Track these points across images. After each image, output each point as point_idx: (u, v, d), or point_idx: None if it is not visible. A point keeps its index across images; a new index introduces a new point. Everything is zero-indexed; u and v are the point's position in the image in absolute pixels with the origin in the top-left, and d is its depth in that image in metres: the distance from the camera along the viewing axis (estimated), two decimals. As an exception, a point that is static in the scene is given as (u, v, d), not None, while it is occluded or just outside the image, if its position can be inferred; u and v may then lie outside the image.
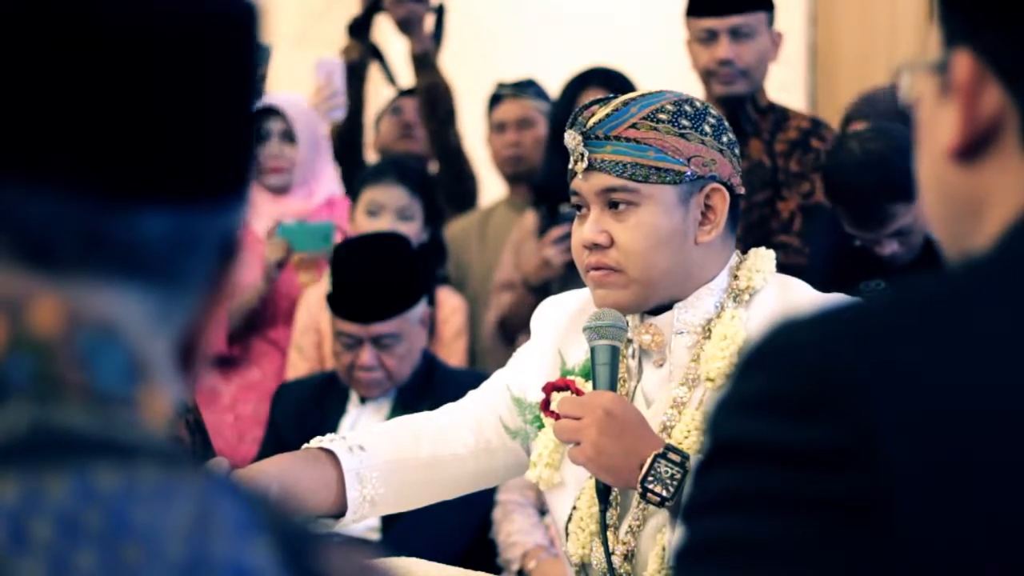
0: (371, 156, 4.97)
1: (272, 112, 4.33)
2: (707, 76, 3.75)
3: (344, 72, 4.72)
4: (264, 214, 4.29)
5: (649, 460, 1.96)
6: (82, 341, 0.77)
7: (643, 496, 1.97)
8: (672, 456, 1.96)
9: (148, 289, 0.81)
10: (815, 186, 3.72)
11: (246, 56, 0.84)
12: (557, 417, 2.04)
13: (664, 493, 1.95)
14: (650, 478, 1.96)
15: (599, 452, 1.97)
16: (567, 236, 3.82)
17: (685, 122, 2.07)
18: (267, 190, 4.32)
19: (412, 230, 4.04)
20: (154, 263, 0.81)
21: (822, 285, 2.14)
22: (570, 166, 2.12)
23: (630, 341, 2.14)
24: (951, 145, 0.93)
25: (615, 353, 2.06)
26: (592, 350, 2.07)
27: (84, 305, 0.78)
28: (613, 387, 2.06)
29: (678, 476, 1.95)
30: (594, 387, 2.06)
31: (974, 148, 0.92)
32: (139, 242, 0.80)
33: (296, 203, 4.34)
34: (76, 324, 0.77)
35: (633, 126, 2.06)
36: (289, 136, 4.33)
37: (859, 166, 3.39)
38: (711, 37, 3.73)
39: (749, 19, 3.73)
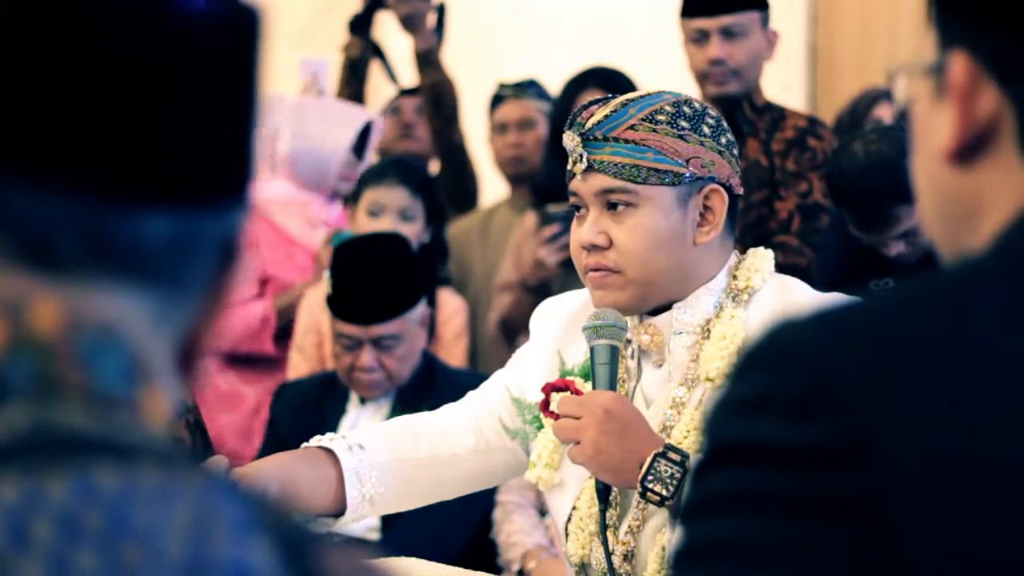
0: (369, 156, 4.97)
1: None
2: (701, 77, 3.76)
3: (328, 70, 4.74)
4: (298, 214, 4.30)
5: (649, 459, 1.96)
6: (82, 342, 0.77)
7: (643, 495, 1.97)
8: (672, 455, 1.96)
9: (149, 290, 0.81)
10: (813, 185, 3.71)
11: (248, 61, 0.85)
12: (556, 417, 2.04)
13: (664, 492, 1.95)
14: (650, 477, 1.96)
15: (599, 451, 1.97)
16: (559, 235, 3.83)
17: (684, 123, 2.07)
18: (327, 194, 4.33)
19: (414, 231, 4.04)
20: (155, 265, 0.81)
21: (831, 285, 2.14)
22: (569, 167, 2.12)
23: (629, 341, 2.14)
24: (947, 147, 0.93)
25: (614, 353, 2.06)
26: (592, 350, 2.07)
27: (85, 306, 0.78)
28: (613, 387, 2.06)
29: (678, 475, 1.96)
30: (593, 387, 2.06)
31: (970, 150, 0.92)
32: (140, 244, 0.80)
33: (327, 211, 4.37)
34: (77, 325, 0.77)
35: (632, 127, 2.06)
36: (360, 151, 4.35)
37: (863, 169, 3.38)
38: (703, 37, 3.73)
39: (740, 19, 3.73)
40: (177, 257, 0.82)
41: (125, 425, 0.76)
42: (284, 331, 4.22)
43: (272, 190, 4.33)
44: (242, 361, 4.21)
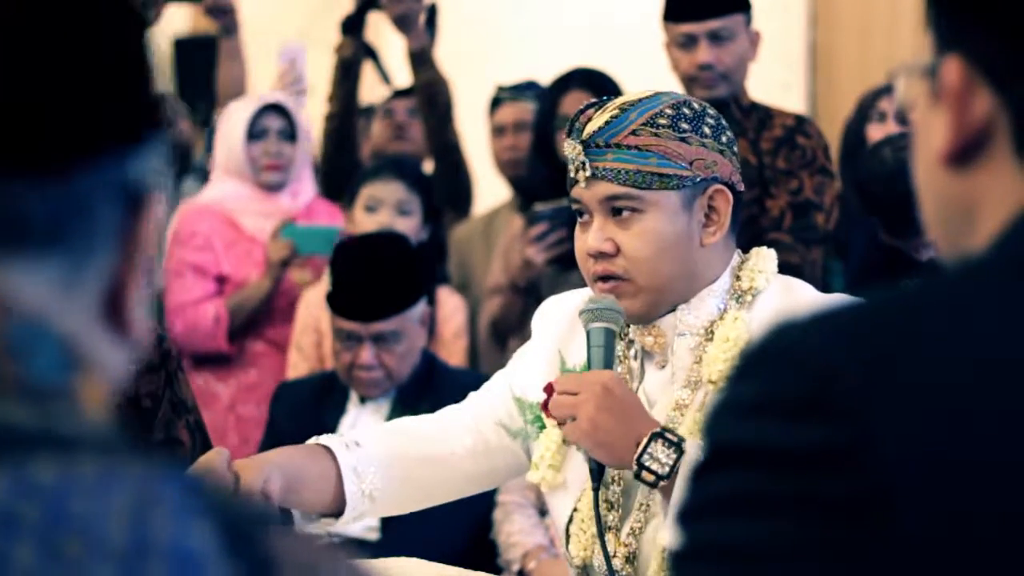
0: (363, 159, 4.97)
1: (274, 109, 4.35)
2: (688, 81, 3.75)
3: (306, 57, 4.76)
4: (254, 210, 4.31)
5: (647, 438, 1.95)
6: (12, 333, 0.76)
7: (637, 475, 1.96)
8: (669, 436, 1.96)
9: (47, 259, 0.79)
10: (804, 183, 3.71)
11: (109, 11, 0.82)
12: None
13: (660, 471, 1.95)
14: (646, 456, 1.95)
15: (595, 427, 1.97)
16: (546, 234, 3.83)
17: (685, 125, 2.06)
18: (260, 187, 4.33)
19: (411, 225, 4.04)
20: (47, 233, 0.79)
21: (859, 285, 2.13)
22: (570, 174, 2.11)
23: (632, 342, 2.14)
24: (943, 150, 0.93)
25: (610, 335, 2.05)
26: (588, 333, 2.06)
27: (10, 297, 0.78)
28: (609, 368, 2.05)
29: (674, 456, 1.95)
30: (589, 369, 2.05)
31: (965, 153, 0.92)
32: (21, 215, 0.79)
33: (284, 202, 4.36)
34: (4, 316, 0.77)
35: (633, 133, 2.05)
36: (289, 134, 4.35)
37: (892, 174, 3.37)
38: (690, 42, 3.72)
39: (727, 22, 3.72)
40: (70, 220, 0.80)
41: (62, 416, 0.76)
42: (245, 328, 4.22)
43: (227, 189, 4.33)
44: (215, 360, 4.21)
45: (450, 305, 4.14)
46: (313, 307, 4.08)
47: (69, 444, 0.74)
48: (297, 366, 4.07)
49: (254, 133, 4.31)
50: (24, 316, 0.77)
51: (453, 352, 4.08)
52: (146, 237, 0.83)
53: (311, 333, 4.08)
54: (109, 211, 0.81)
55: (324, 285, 3.99)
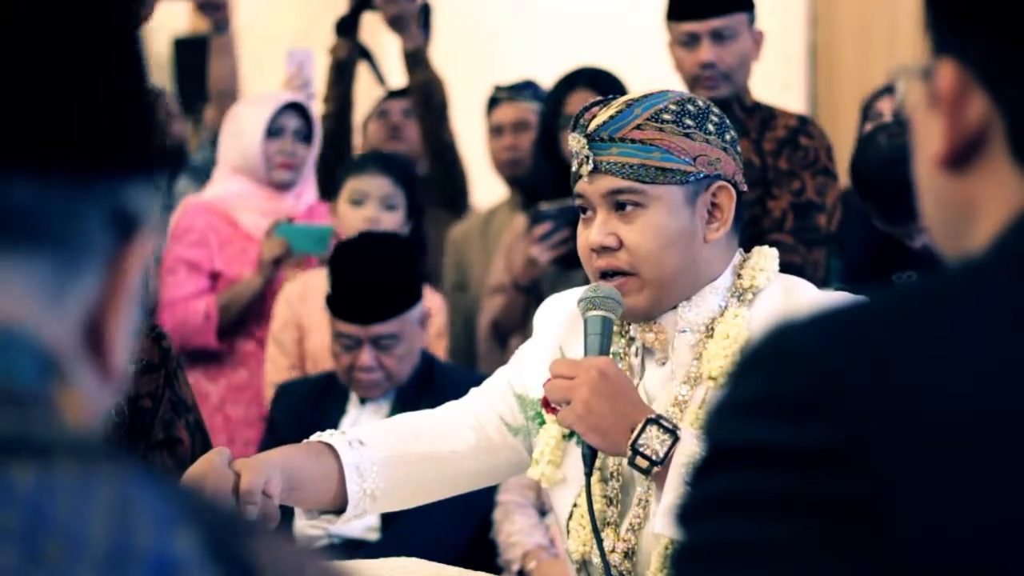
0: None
1: (292, 108, 4.35)
2: (691, 81, 3.75)
3: (313, 62, 4.76)
4: (256, 209, 4.30)
5: (642, 423, 1.95)
6: None
7: (631, 461, 1.96)
8: (664, 422, 1.96)
9: (32, 260, 0.78)
10: (806, 183, 3.72)
11: (120, 30, 0.82)
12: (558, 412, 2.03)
13: (654, 457, 1.95)
14: (641, 441, 1.95)
15: (589, 411, 1.97)
16: (550, 234, 3.83)
17: (689, 121, 2.07)
18: (270, 185, 4.33)
19: (395, 220, 4.03)
20: (34, 229, 0.78)
21: (856, 277, 2.13)
22: (573, 169, 2.11)
23: (632, 339, 2.14)
24: (939, 154, 0.93)
25: (607, 324, 2.06)
26: (585, 321, 2.06)
27: None
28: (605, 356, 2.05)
29: (668, 442, 1.95)
30: (586, 356, 2.05)
31: (961, 156, 0.92)
32: (15, 205, 0.77)
33: (288, 203, 4.36)
34: None
35: (638, 127, 2.06)
36: (305, 135, 4.35)
37: (887, 161, 3.38)
38: (693, 40, 3.72)
39: (730, 21, 3.72)
40: (57, 222, 0.79)
41: (42, 423, 0.75)
42: (236, 327, 4.21)
43: (231, 186, 4.33)
44: (206, 359, 4.21)
45: (431, 305, 4.13)
46: (294, 303, 4.06)
47: (48, 450, 0.73)
48: (276, 361, 4.05)
49: (271, 131, 4.32)
50: (5, 320, 0.76)
51: (435, 351, 4.07)
52: (133, 272, 0.82)
53: (292, 329, 4.06)
54: (99, 232, 0.80)
55: (303, 281, 4.00)
